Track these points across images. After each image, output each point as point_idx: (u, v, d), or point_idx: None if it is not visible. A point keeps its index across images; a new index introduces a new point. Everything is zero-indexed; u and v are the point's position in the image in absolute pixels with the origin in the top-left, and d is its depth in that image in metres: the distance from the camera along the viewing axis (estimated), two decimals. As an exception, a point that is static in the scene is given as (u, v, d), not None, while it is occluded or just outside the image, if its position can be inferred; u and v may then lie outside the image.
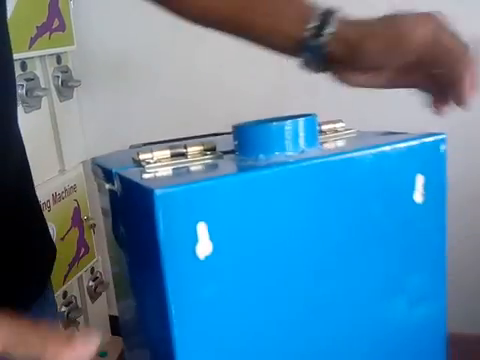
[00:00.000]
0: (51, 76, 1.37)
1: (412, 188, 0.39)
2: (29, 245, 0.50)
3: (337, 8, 0.46)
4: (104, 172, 0.42)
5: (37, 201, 0.55)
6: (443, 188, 0.40)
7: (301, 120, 0.37)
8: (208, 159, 0.40)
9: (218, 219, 0.32)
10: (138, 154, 0.40)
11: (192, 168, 0.38)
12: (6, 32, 0.48)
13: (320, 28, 0.44)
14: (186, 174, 0.37)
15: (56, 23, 1.32)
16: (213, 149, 0.41)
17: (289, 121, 0.37)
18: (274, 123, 0.37)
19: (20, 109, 1.23)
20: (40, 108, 1.33)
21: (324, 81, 0.51)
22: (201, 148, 0.41)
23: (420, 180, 0.39)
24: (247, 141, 0.38)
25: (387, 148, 0.37)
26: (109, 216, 0.44)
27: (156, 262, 0.32)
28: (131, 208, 0.37)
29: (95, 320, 1.60)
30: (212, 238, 0.32)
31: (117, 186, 0.39)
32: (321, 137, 0.44)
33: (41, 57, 1.32)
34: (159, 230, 0.31)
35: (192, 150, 0.40)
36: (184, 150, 0.40)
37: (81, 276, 1.53)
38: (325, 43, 0.45)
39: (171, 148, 0.40)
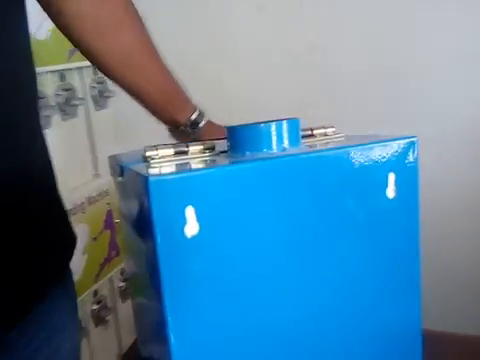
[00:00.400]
0: (88, 87, 1.46)
1: (385, 185, 0.43)
2: (49, 232, 0.55)
3: (205, 111, 0.74)
4: (118, 167, 0.48)
5: (58, 194, 0.61)
6: (415, 186, 0.45)
7: (284, 122, 0.43)
8: (206, 157, 0.46)
9: (204, 204, 0.38)
10: (145, 151, 0.45)
11: (191, 163, 0.44)
12: (27, 47, 0.55)
13: (196, 121, 0.72)
14: (182, 167, 0.43)
15: (93, 37, 1.41)
16: (212, 148, 0.47)
17: (273, 123, 0.42)
18: (260, 124, 0.43)
19: (58, 117, 1.32)
20: (77, 116, 1.42)
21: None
22: (201, 147, 0.47)
23: (392, 177, 0.43)
24: (237, 140, 0.44)
25: (361, 148, 0.42)
26: (125, 217, 0.50)
27: (151, 241, 0.37)
28: (136, 197, 0.43)
29: (124, 319, 1.67)
30: (199, 220, 0.38)
31: (126, 178, 0.45)
32: (311, 139, 0.49)
33: (79, 69, 1.41)
34: (152, 212, 0.36)
35: (193, 149, 0.46)
36: (186, 149, 0.46)
37: (112, 277, 1.60)
38: (196, 131, 0.72)
39: (175, 147, 0.46)
